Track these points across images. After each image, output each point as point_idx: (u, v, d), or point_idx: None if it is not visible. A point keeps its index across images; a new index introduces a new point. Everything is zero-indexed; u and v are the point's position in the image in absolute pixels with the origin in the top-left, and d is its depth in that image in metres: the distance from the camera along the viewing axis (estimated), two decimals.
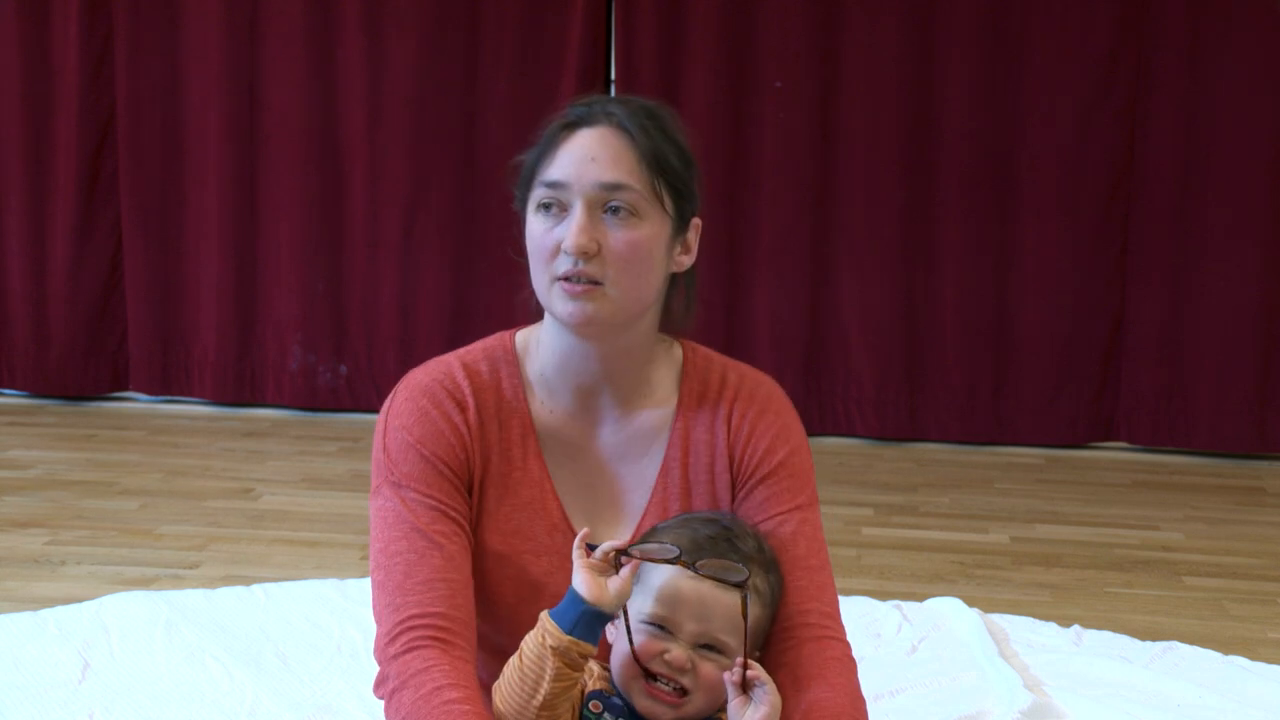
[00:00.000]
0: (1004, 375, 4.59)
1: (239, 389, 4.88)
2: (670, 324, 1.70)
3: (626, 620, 1.51)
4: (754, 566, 1.53)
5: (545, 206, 1.58)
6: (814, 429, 4.58)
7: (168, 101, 4.77)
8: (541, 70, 4.60)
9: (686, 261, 1.66)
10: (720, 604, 1.49)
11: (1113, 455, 4.55)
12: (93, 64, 4.76)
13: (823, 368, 4.65)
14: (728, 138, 4.54)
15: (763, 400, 1.69)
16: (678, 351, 1.72)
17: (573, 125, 1.59)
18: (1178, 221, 4.43)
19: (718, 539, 1.54)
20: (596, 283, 1.55)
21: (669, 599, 1.50)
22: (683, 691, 1.49)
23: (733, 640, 1.50)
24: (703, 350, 1.74)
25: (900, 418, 4.63)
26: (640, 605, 1.51)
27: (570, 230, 1.55)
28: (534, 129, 1.66)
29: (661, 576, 1.51)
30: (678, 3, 4.53)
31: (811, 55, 4.50)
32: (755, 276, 4.61)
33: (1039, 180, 4.48)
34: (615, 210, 1.56)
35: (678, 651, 1.48)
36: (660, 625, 1.50)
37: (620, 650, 1.52)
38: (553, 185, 1.57)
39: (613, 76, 4.61)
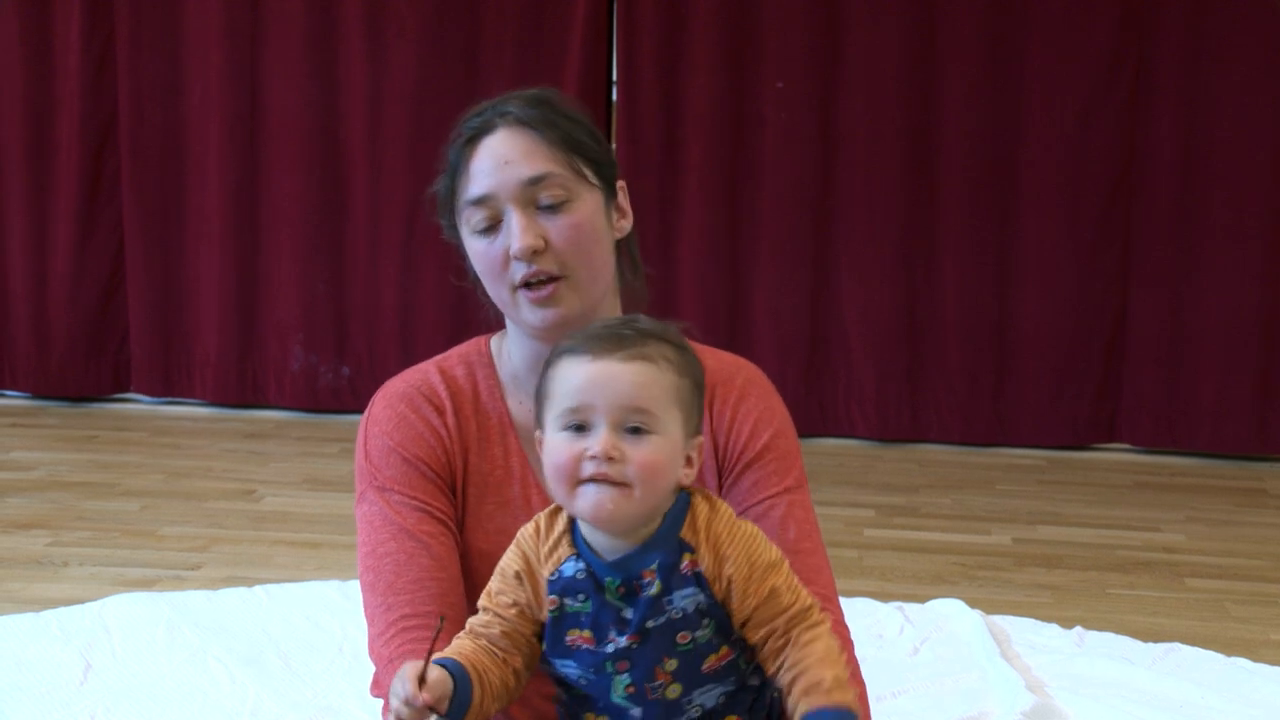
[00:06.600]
0: (1005, 376, 4.58)
1: (240, 390, 4.88)
2: (629, 296, 1.68)
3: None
4: (654, 339, 1.40)
5: (486, 225, 1.57)
6: (814, 430, 4.58)
7: (169, 102, 4.77)
8: (541, 71, 4.59)
9: (626, 225, 1.66)
10: (624, 373, 1.36)
11: (1114, 456, 4.55)
12: (94, 65, 4.76)
13: (823, 368, 4.65)
14: (728, 138, 4.54)
15: (742, 384, 1.65)
16: None
17: (474, 138, 1.58)
18: (1178, 222, 4.43)
19: (611, 324, 1.43)
20: (556, 278, 1.55)
21: (573, 391, 1.37)
22: (622, 485, 1.35)
23: (660, 412, 1.36)
24: None
25: (901, 418, 4.62)
26: (554, 415, 1.39)
27: (513, 234, 1.54)
28: None
29: (565, 376, 1.38)
30: (678, 3, 4.52)
31: (812, 56, 4.50)
32: (755, 276, 4.61)
33: (1039, 180, 4.47)
34: (550, 206, 1.56)
35: (598, 440, 1.35)
36: (575, 425, 1.37)
37: (551, 468, 1.38)
38: (479, 201, 1.56)
39: (613, 77, 4.61)
